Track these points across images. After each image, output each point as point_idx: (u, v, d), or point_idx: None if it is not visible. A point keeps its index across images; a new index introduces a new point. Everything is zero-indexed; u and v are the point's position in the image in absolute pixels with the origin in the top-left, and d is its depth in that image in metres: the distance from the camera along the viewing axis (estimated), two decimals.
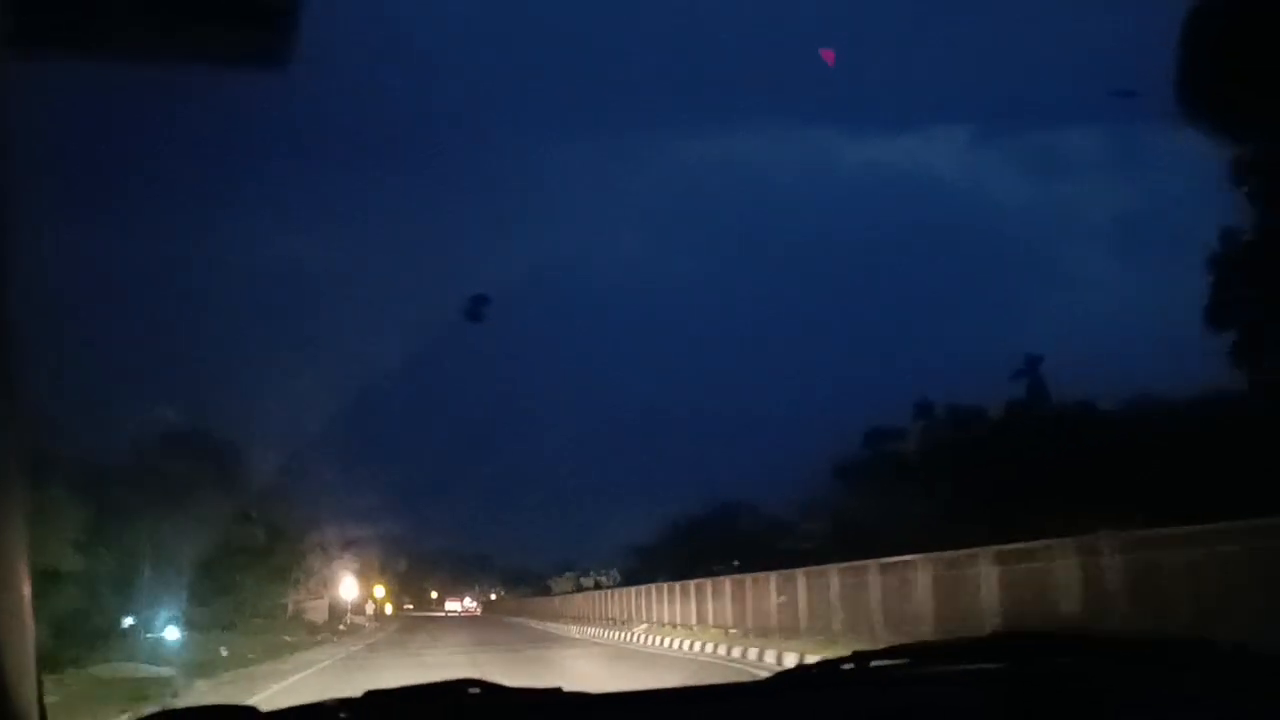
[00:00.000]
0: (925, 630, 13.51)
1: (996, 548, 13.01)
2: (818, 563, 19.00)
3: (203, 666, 16.01)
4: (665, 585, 28.13)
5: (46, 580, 12.82)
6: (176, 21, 1.44)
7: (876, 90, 63.92)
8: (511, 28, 73.78)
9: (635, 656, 19.06)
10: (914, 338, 50.59)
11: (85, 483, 15.89)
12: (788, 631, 18.73)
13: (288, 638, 25.32)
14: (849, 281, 59.82)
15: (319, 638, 28.65)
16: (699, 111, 76.08)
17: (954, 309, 52.53)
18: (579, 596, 44.21)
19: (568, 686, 1.70)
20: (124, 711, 10.44)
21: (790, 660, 13.54)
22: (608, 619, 33.56)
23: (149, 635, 18.05)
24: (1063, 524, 11.84)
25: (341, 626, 37.12)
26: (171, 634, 18.42)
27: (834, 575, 17.49)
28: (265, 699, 11.01)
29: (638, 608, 29.92)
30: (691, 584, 25.55)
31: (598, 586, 45.88)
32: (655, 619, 27.85)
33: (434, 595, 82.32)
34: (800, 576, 18.87)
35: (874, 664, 1.67)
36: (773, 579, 19.99)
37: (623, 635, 26.89)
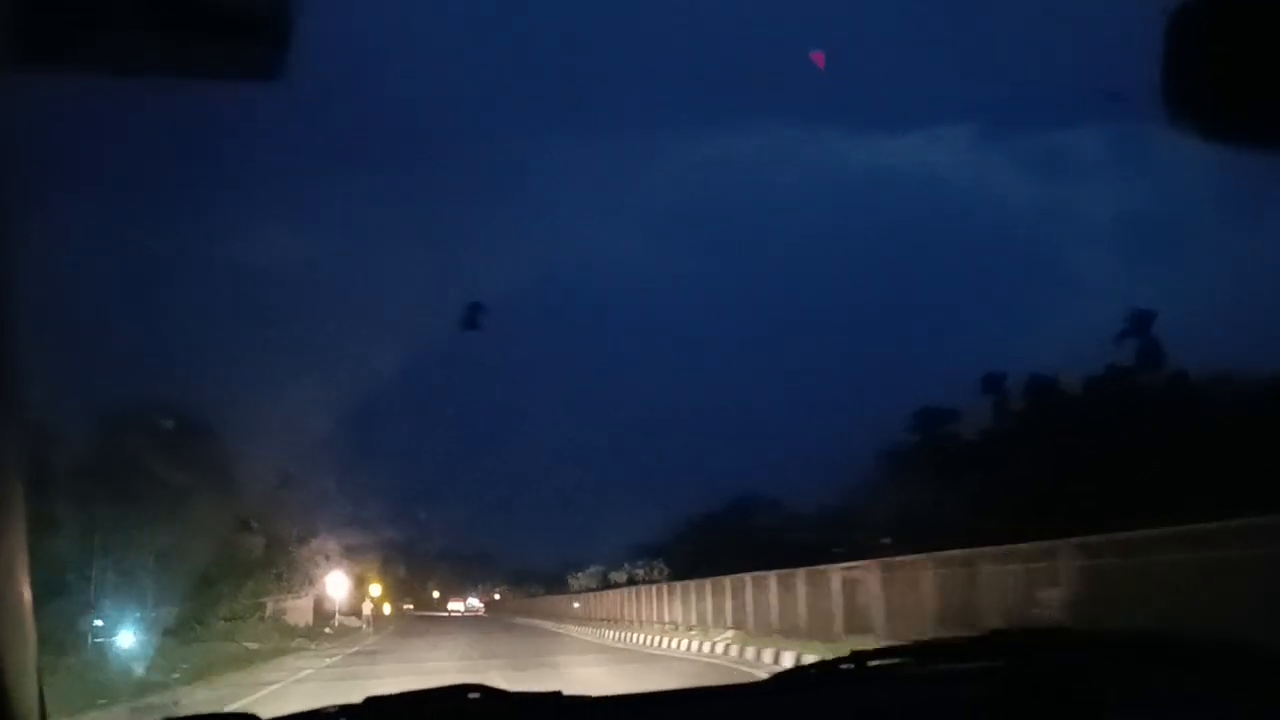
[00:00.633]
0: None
1: (1080, 539, 13.31)
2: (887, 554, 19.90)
3: (101, 689, 15.04)
4: (729, 580, 27.71)
5: None
6: (176, 33, 1.66)
7: (884, 90, 71.42)
8: (511, 29, 79.56)
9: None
10: (921, 334, 57.74)
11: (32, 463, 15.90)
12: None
13: (253, 644, 25.37)
14: (854, 280, 67.22)
15: (293, 644, 29.06)
16: (701, 112, 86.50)
17: (962, 308, 60.34)
18: (613, 594, 44.70)
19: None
20: None
21: None
22: (665, 622, 32.58)
23: (98, 641, 18.25)
24: (1172, 511, 11.99)
25: (327, 630, 37.95)
26: (126, 640, 18.47)
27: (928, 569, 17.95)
28: None
29: (711, 609, 28.89)
30: (749, 579, 25.72)
31: (632, 581, 45.41)
32: (727, 623, 27.09)
33: (435, 595, 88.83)
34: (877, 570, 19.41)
35: (872, 663, 1.92)
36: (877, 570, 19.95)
37: (699, 645, 24.98)
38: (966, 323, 55.46)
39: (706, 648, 23.41)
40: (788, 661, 17.80)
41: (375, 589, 55.97)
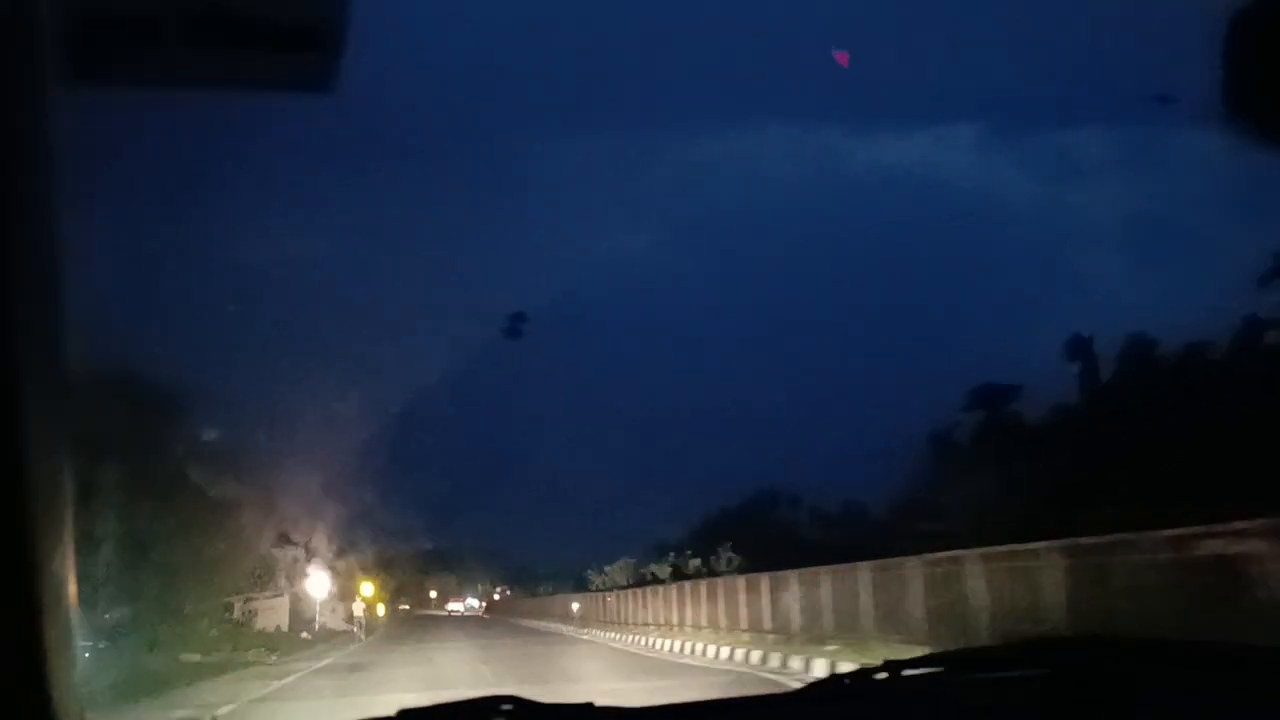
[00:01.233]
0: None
1: (1171, 532, 13.31)
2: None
3: None
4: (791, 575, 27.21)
5: None
6: (224, 50, 1.96)
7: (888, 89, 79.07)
8: (513, 32, 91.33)
9: None
10: (931, 330, 66.10)
11: None
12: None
13: (194, 656, 24.37)
14: (869, 275, 77.11)
15: (248, 655, 27.65)
16: (712, 114, 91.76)
17: (970, 305, 69.60)
18: (657, 592, 42.62)
19: None
20: None
21: None
22: (763, 628, 29.44)
23: None
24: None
25: (305, 635, 37.99)
26: None
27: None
28: None
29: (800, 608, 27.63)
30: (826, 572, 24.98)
31: (680, 575, 43.91)
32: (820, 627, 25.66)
33: (433, 594, 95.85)
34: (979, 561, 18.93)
35: (907, 673, 2.17)
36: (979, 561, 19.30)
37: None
38: (995, 313, 62.93)
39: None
40: None
41: (367, 588, 57.25)
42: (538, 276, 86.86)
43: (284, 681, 22.25)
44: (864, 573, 22.70)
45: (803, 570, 27.32)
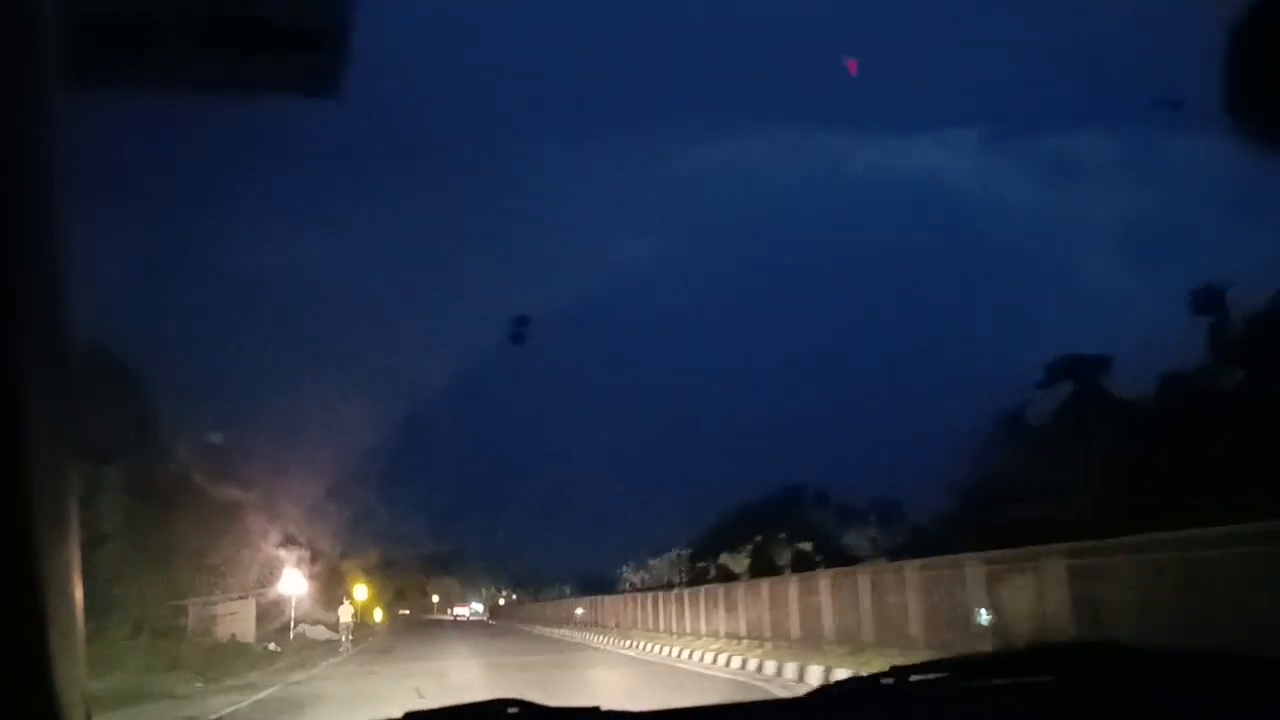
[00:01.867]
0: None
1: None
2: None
3: None
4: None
5: None
6: (229, 52, 2.03)
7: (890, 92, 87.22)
8: (517, 36, 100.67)
9: None
10: (933, 329, 72.62)
11: None
12: None
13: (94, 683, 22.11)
14: (871, 278, 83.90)
15: (163, 681, 22.70)
16: (716, 118, 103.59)
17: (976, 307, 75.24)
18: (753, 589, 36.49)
19: None
20: None
21: None
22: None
23: None
24: None
25: (272, 646, 34.34)
26: None
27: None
28: None
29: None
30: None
31: (764, 565, 41.24)
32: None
33: (435, 599, 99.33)
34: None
35: (913, 679, 2.24)
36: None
37: None
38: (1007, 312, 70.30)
39: None
40: None
41: (360, 591, 56.12)
42: (548, 281, 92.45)
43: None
44: (911, 573, 21.43)
45: (836, 571, 26.80)
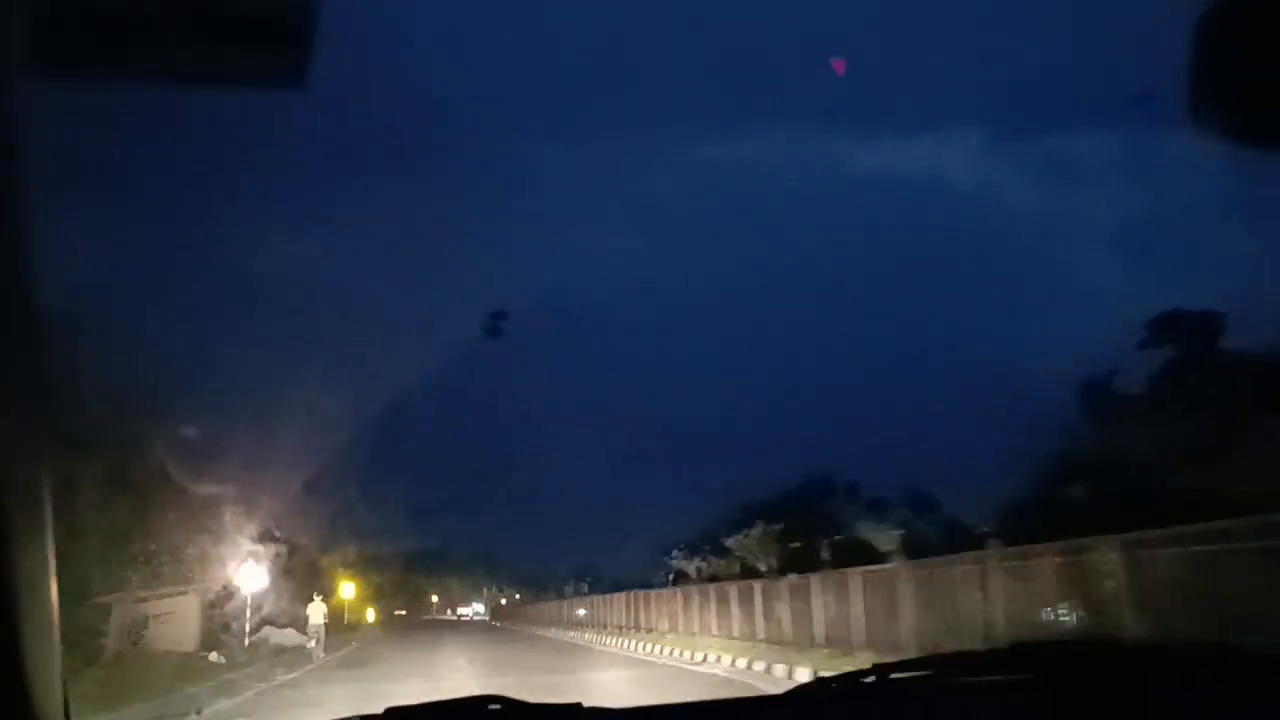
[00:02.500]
0: None
1: None
2: None
3: None
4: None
5: None
6: (195, 44, 2.12)
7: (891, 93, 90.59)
8: (522, 34, 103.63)
9: None
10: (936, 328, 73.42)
11: None
12: None
13: None
14: (868, 278, 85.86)
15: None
16: (713, 119, 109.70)
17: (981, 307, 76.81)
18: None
19: None
20: None
21: None
22: None
23: None
24: None
25: (214, 656, 29.96)
26: None
27: None
28: None
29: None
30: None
31: (796, 561, 38.35)
32: None
33: (434, 599, 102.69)
34: None
35: (895, 676, 2.31)
36: None
37: None
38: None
39: None
40: None
41: (347, 589, 54.51)
42: (554, 277, 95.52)
43: None
44: (997, 565, 20.74)
45: (868, 569, 26.47)
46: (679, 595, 42.47)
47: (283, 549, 36.54)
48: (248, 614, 33.69)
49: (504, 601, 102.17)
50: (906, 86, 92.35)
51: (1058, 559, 19.15)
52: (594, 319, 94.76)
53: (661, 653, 34.40)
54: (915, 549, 27.78)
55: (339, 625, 51.17)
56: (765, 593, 33.59)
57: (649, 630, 43.78)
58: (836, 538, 37.16)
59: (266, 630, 36.92)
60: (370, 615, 64.88)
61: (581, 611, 60.97)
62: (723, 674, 24.56)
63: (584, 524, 80.00)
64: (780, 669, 23.43)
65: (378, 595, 68.61)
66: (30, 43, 2.00)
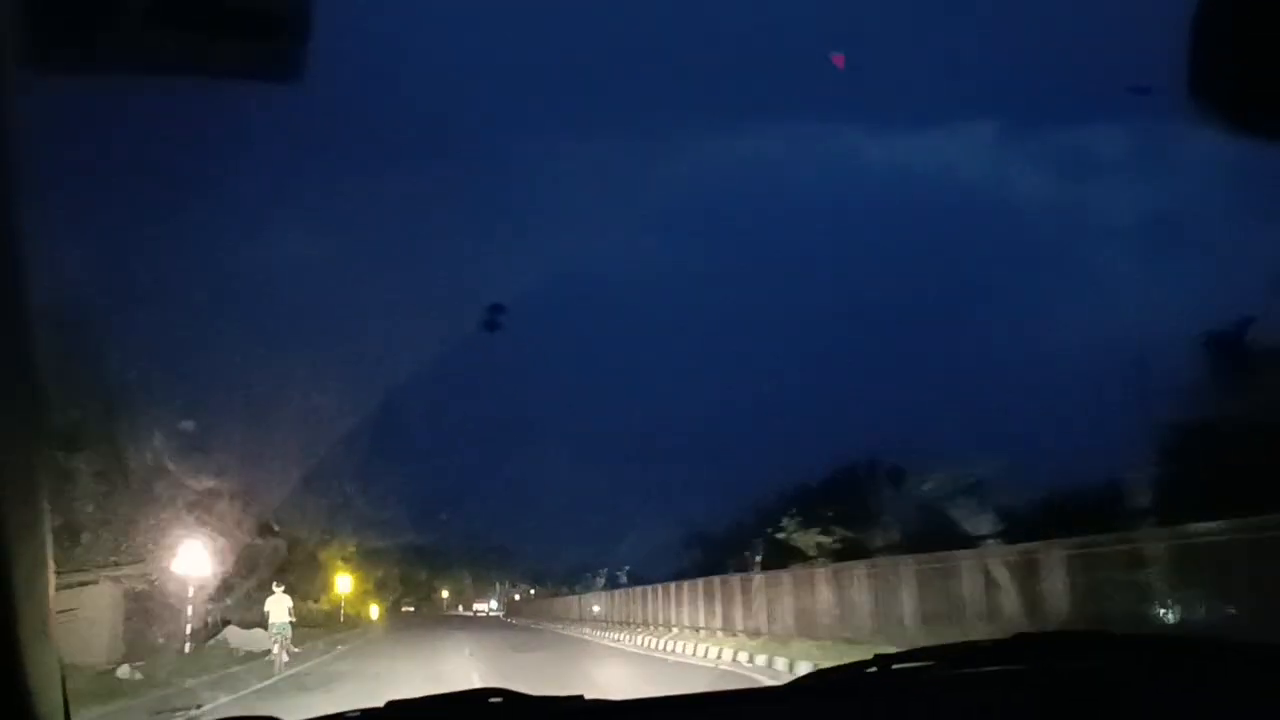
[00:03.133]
0: None
1: None
2: None
3: None
4: None
5: None
6: (191, 35, 2.18)
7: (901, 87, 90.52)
8: (527, 30, 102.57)
9: None
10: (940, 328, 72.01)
11: None
12: None
13: None
14: (864, 283, 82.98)
15: None
16: (720, 113, 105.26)
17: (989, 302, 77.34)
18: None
19: None
20: None
21: None
22: None
23: None
24: None
25: (124, 673, 24.96)
26: None
27: None
28: None
29: None
30: None
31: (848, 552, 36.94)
32: None
33: (444, 595, 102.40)
34: None
35: (897, 667, 2.36)
36: None
37: None
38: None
39: None
40: None
41: (344, 582, 51.81)
42: (564, 274, 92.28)
43: None
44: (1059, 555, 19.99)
45: (921, 556, 25.12)
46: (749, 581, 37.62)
47: (249, 522, 30.08)
48: (189, 611, 28.16)
49: (517, 597, 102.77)
50: (920, 80, 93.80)
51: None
52: (609, 309, 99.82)
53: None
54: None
55: (335, 623, 49.72)
56: (837, 577, 29.84)
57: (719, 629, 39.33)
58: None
59: (228, 632, 32.22)
60: (374, 612, 63.11)
61: (596, 608, 59.48)
62: None
63: (599, 518, 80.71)
64: None
65: (383, 590, 68.20)
66: (24, 37, 2.04)
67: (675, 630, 40.96)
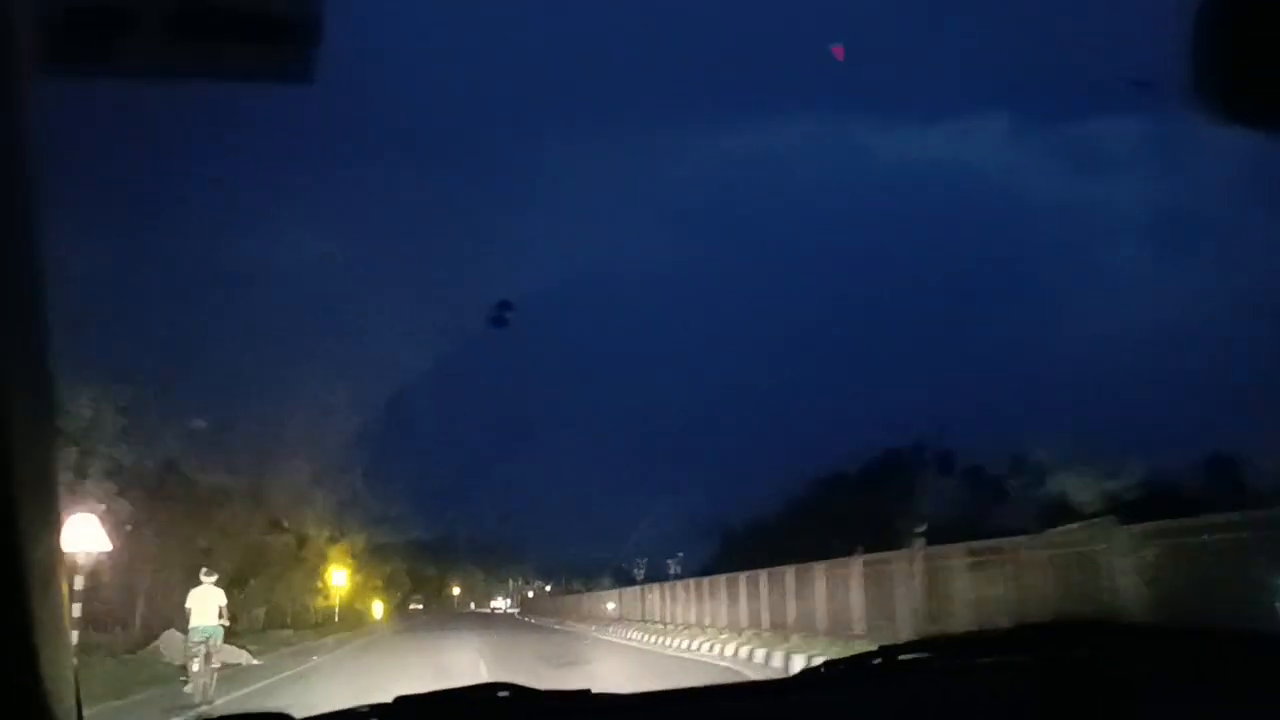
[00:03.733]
0: None
1: None
2: None
3: None
4: None
5: None
6: (201, 38, 2.26)
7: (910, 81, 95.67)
8: (534, 28, 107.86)
9: None
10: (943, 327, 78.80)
11: None
12: None
13: None
14: (889, 271, 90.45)
15: None
16: (729, 108, 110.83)
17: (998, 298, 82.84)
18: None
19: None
20: None
21: None
22: None
23: None
24: None
25: None
26: None
27: None
28: None
29: None
30: None
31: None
32: None
33: (456, 592, 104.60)
34: None
35: (901, 657, 2.44)
36: None
37: None
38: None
39: None
40: None
41: (339, 576, 48.85)
42: (592, 262, 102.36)
43: None
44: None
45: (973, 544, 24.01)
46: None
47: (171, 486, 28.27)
48: (74, 611, 20.88)
49: (531, 594, 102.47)
50: (930, 73, 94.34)
51: None
52: (622, 305, 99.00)
53: None
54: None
55: (330, 623, 46.82)
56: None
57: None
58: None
59: (166, 637, 27.05)
60: (378, 610, 60.51)
61: (610, 605, 57.08)
62: None
63: (616, 513, 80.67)
64: None
65: (391, 587, 66.98)
66: (36, 39, 2.10)
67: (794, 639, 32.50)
